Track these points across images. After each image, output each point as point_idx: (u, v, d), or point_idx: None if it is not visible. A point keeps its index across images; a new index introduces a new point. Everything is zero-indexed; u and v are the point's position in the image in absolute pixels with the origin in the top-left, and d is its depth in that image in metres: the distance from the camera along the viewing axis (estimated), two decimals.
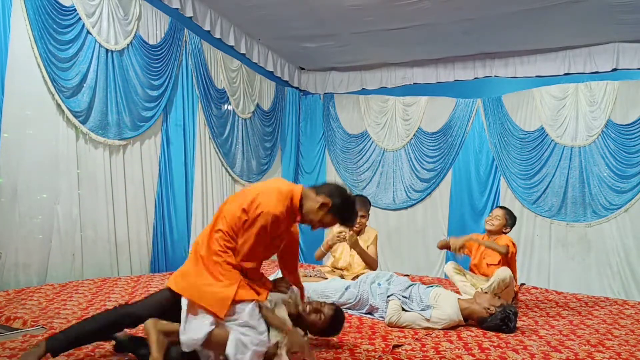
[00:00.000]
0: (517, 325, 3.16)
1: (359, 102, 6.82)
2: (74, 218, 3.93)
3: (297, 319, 2.36)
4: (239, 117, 5.84)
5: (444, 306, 3.12)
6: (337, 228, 4.25)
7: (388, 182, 6.63)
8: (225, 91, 5.59)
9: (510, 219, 4.02)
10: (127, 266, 4.38)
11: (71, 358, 2.18)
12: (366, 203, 4.26)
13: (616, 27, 5.16)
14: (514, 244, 3.89)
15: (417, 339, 2.83)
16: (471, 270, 4.05)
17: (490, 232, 4.00)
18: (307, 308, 2.46)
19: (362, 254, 4.05)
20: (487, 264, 3.91)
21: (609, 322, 3.57)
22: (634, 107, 5.35)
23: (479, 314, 3.13)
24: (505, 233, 3.99)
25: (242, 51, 5.90)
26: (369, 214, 4.27)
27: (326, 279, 3.97)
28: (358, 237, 4.15)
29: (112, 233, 4.26)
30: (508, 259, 3.82)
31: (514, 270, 3.89)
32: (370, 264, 4.12)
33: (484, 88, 6.23)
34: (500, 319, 3.04)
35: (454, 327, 3.12)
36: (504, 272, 3.61)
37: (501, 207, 4.17)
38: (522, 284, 5.02)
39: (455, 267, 3.94)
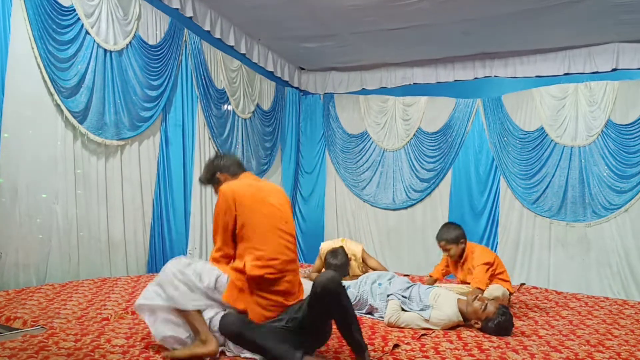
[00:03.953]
0: (515, 326, 3.15)
1: (359, 102, 6.82)
2: (73, 218, 3.92)
3: None
4: (238, 117, 5.84)
5: (443, 306, 3.12)
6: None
7: (388, 182, 6.63)
8: (225, 91, 5.58)
9: (452, 234, 3.73)
10: (123, 266, 4.37)
11: (71, 358, 2.18)
12: (341, 262, 4.12)
13: (616, 27, 5.16)
14: (487, 263, 3.61)
15: (417, 338, 2.83)
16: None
17: (458, 260, 3.81)
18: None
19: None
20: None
21: (609, 322, 3.56)
22: (633, 107, 5.35)
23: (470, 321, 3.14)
24: (464, 247, 3.76)
25: (242, 51, 5.90)
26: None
27: None
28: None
29: (111, 233, 4.26)
30: (494, 270, 3.70)
31: (504, 277, 3.79)
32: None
33: (484, 88, 6.23)
34: (489, 333, 3.03)
35: (453, 327, 3.13)
36: (496, 290, 3.51)
37: (438, 238, 3.80)
38: (522, 284, 5.02)
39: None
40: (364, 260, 4.33)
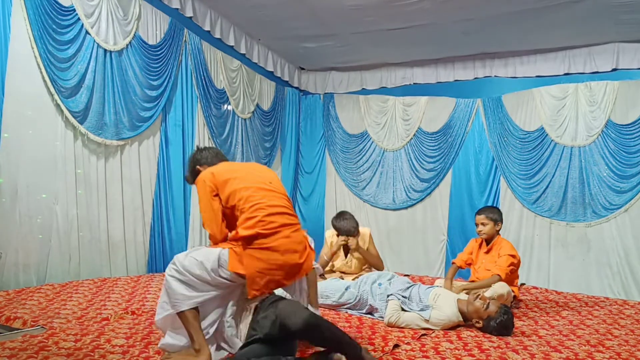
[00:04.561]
0: (516, 326, 3.15)
1: (359, 102, 6.82)
2: (73, 218, 3.93)
3: None
4: (238, 117, 5.84)
5: (443, 307, 3.11)
6: (334, 239, 4.24)
7: (388, 182, 6.63)
8: (225, 91, 5.58)
9: (494, 214, 3.93)
10: (123, 266, 4.37)
11: (71, 358, 2.18)
12: (352, 218, 4.17)
13: (616, 27, 5.16)
14: (514, 256, 3.72)
15: (417, 338, 2.83)
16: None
17: (487, 239, 3.92)
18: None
19: (365, 255, 4.08)
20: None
21: (609, 322, 3.56)
22: (634, 107, 5.35)
23: (471, 320, 3.15)
24: (498, 231, 3.91)
25: (242, 51, 5.90)
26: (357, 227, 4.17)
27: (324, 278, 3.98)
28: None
29: (111, 233, 4.26)
30: (515, 269, 3.77)
31: (515, 276, 3.86)
32: (377, 265, 4.14)
33: (484, 88, 6.23)
34: (489, 332, 3.04)
35: (453, 327, 3.12)
36: (502, 288, 3.52)
37: (479, 212, 4.00)
38: (522, 284, 5.02)
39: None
40: (368, 246, 4.31)
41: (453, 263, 4.12)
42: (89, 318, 2.84)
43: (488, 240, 3.93)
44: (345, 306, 3.44)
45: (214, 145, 5.40)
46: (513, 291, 3.72)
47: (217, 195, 2.34)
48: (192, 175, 2.60)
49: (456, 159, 6.30)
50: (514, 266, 3.74)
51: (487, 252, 3.91)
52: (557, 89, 5.73)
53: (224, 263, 2.21)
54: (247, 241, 2.21)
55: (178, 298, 2.17)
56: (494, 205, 6.00)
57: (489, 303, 3.07)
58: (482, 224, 3.90)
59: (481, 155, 6.16)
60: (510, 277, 3.78)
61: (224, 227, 2.37)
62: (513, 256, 3.73)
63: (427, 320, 3.06)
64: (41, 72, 3.64)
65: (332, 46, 6.15)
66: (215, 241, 2.37)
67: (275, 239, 2.22)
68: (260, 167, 2.62)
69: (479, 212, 3.99)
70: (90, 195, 4.09)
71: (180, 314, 2.17)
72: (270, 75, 6.50)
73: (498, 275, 3.60)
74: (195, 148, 2.81)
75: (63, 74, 3.80)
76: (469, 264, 4.06)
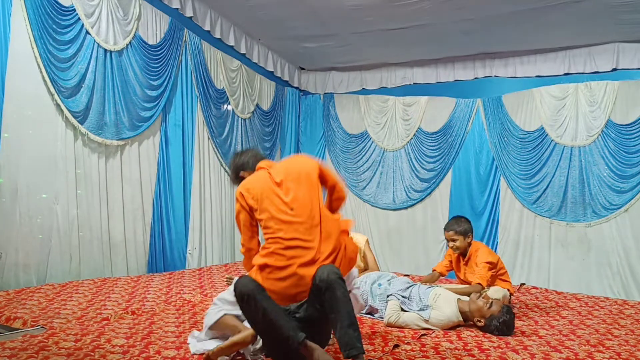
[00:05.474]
0: (516, 326, 3.15)
1: (359, 102, 6.82)
2: (73, 218, 3.93)
3: None
4: (238, 117, 5.84)
5: (443, 307, 3.12)
6: None
7: (388, 182, 6.63)
8: (225, 91, 5.59)
9: (462, 227, 3.76)
10: (123, 266, 4.37)
11: (71, 358, 2.18)
12: None
13: (616, 27, 5.16)
14: (490, 262, 3.66)
15: (417, 338, 2.83)
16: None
17: (462, 253, 3.83)
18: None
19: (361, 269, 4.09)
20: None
21: (609, 322, 3.57)
22: (634, 107, 5.35)
23: (473, 320, 3.14)
24: (470, 242, 3.79)
25: (242, 51, 5.90)
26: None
27: None
28: None
29: (111, 233, 4.26)
30: (496, 272, 3.73)
31: (505, 277, 3.83)
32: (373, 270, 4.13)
33: (484, 88, 6.23)
34: (491, 332, 3.04)
35: (453, 327, 3.13)
36: (497, 293, 3.50)
37: (447, 227, 3.83)
38: (522, 284, 5.02)
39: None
40: (364, 252, 4.31)
41: (433, 270, 4.10)
42: (89, 318, 2.84)
43: (463, 254, 3.84)
44: None
45: (214, 146, 5.42)
46: (506, 288, 3.71)
47: (249, 211, 2.38)
48: (237, 181, 2.68)
49: (456, 159, 6.30)
50: (493, 267, 3.68)
51: (466, 263, 3.85)
52: (557, 89, 5.73)
53: None
54: (261, 268, 2.27)
55: (209, 317, 2.46)
56: (495, 204, 6.01)
57: (491, 302, 3.08)
58: (452, 239, 3.78)
59: (481, 155, 6.16)
60: (498, 276, 3.76)
61: (254, 240, 2.42)
62: (490, 262, 3.66)
63: (426, 321, 3.07)
64: (41, 72, 3.64)
65: (332, 46, 6.15)
66: (242, 250, 2.47)
67: (283, 273, 2.22)
68: (291, 181, 2.40)
69: (446, 228, 3.83)
70: (91, 195, 4.09)
71: (221, 319, 2.42)
72: (270, 75, 6.50)
73: (479, 284, 3.55)
74: (234, 153, 2.92)
75: (63, 74, 3.80)
76: (449, 270, 4.05)
